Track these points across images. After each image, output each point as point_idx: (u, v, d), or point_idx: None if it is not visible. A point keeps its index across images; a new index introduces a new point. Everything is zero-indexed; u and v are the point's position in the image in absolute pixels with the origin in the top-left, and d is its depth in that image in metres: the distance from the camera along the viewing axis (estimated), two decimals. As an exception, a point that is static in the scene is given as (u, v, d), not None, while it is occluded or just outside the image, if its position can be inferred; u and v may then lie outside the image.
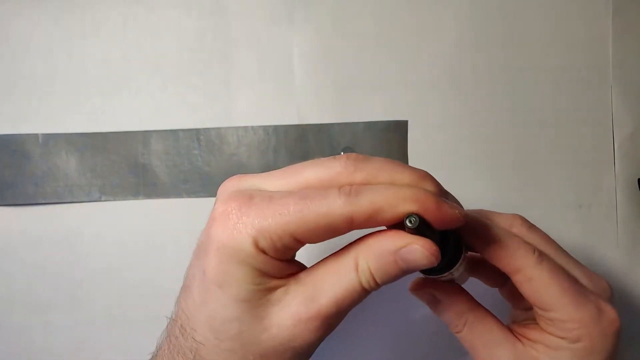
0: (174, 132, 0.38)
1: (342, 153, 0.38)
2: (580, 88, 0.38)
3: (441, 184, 0.23)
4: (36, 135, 0.37)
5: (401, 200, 0.20)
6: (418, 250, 0.21)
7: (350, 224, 0.20)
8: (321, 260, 0.22)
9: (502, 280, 0.29)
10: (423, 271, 0.25)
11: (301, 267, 0.23)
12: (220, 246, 0.21)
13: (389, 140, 0.38)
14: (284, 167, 0.23)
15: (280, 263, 0.21)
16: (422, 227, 0.21)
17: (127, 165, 0.37)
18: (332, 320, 0.21)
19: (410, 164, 0.38)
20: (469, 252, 0.26)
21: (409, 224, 0.20)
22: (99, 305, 0.37)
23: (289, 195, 0.21)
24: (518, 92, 0.38)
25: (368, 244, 0.21)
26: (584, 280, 0.25)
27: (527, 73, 0.38)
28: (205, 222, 0.23)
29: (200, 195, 0.37)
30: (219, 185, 0.24)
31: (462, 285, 0.28)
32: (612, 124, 0.38)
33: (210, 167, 0.37)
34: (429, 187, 0.22)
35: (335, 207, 0.20)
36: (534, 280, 0.24)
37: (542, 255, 0.24)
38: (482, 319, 0.26)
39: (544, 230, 0.28)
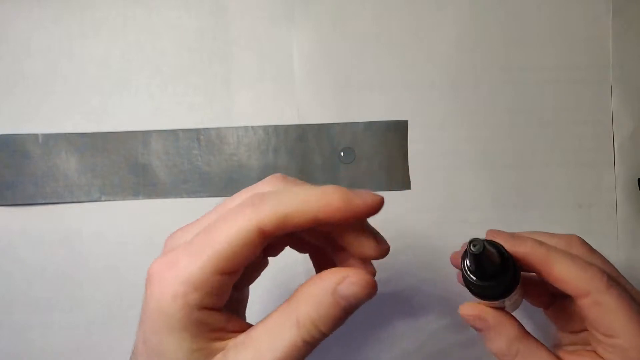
0: (173, 132, 0.38)
1: (342, 154, 0.38)
2: (580, 88, 0.38)
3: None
4: (36, 135, 0.37)
5: (308, 198, 0.20)
6: (353, 282, 0.20)
7: (262, 235, 0.19)
8: (263, 319, 0.21)
9: (549, 300, 0.28)
10: (477, 293, 0.24)
11: (242, 325, 0.21)
12: (152, 314, 0.20)
13: (389, 140, 0.38)
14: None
15: (219, 315, 0.20)
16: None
17: (127, 165, 0.37)
18: None
19: (410, 164, 0.38)
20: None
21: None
22: (99, 305, 0.37)
23: (201, 231, 0.20)
24: (518, 92, 0.38)
25: (306, 291, 0.20)
26: None
27: (527, 73, 0.38)
28: None
29: (200, 195, 0.37)
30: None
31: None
32: (612, 124, 0.38)
33: (210, 167, 0.37)
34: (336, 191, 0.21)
35: (242, 222, 0.19)
36: (603, 305, 0.23)
37: (611, 280, 0.24)
38: (534, 350, 0.25)
39: (544, 231, 0.28)
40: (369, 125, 0.38)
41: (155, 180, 0.37)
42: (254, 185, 0.22)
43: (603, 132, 0.38)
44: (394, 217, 0.38)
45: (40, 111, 0.37)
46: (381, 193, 0.37)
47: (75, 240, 0.37)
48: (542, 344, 0.25)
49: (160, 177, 0.37)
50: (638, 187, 0.38)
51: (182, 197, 0.37)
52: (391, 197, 0.38)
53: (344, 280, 0.20)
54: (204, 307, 0.19)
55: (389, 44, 0.38)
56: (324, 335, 0.20)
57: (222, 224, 0.19)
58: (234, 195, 0.22)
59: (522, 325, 0.26)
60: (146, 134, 0.38)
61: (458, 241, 0.38)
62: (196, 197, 0.37)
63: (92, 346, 0.37)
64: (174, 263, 0.20)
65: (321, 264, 0.26)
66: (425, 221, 0.38)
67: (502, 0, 0.38)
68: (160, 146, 0.38)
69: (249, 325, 0.21)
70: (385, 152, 0.38)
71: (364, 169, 0.38)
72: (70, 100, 0.38)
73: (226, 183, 0.37)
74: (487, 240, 0.22)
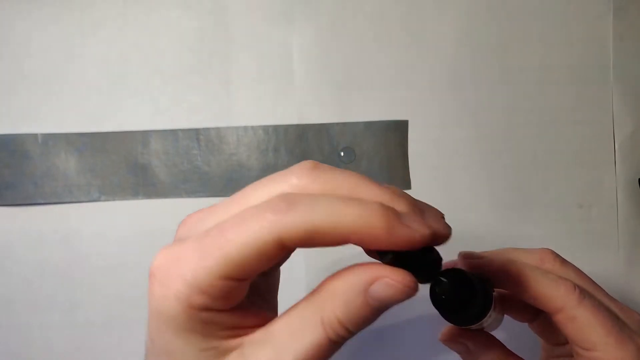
0: (173, 132, 0.38)
1: (342, 154, 0.38)
2: (580, 88, 0.38)
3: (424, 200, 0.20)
4: (36, 135, 0.37)
5: (342, 216, 0.17)
6: (390, 284, 0.17)
7: (282, 248, 0.17)
8: (283, 314, 0.19)
9: (532, 315, 0.28)
10: (451, 320, 0.24)
11: (261, 318, 0.19)
12: (155, 313, 0.18)
13: (389, 140, 0.38)
14: (283, 167, 0.21)
15: (231, 314, 0.18)
16: (404, 256, 0.18)
17: (126, 165, 0.37)
18: None
19: (410, 164, 0.38)
20: (496, 290, 0.25)
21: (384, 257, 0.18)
22: (98, 305, 0.37)
23: (214, 228, 0.17)
24: (518, 92, 0.38)
25: (333, 287, 0.18)
26: (621, 315, 0.24)
27: (527, 73, 0.38)
28: None
29: (200, 195, 0.37)
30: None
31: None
32: (612, 124, 0.38)
33: (210, 167, 0.37)
34: (399, 204, 0.18)
35: (261, 230, 0.16)
36: (577, 319, 0.23)
37: (583, 293, 0.23)
38: None
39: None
40: (369, 125, 0.38)
41: (155, 180, 0.37)
42: (281, 175, 0.19)
43: (603, 132, 0.38)
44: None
45: (39, 111, 0.37)
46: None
47: (74, 240, 0.37)
48: None
49: (160, 177, 0.37)
50: (638, 187, 0.38)
51: (181, 197, 0.37)
52: (391, 197, 0.38)
53: (378, 280, 0.18)
54: (210, 309, 0.18)
55: (389, 43, 0.38)
56: (351, 334, 0.18)
57: (238, 226, 0.17)
58: (258, 184, 0.19)
59: (504, 346, 0.26)
60: (146, 133, 0.37)
61: (458, 241, 0.38)
62: (196, 197, 0.37)
63: (92, 346, 0.37)
64: (180, 259, 0.18)
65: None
66: (425, 221, 0.38)
67: (502, 0, 0.38)
68: (160, 146, 0.37)
69: (271, 318, 0.19)
70: (385, 152, 0.38)
71: (364, 169, 0.38)
72: (70, 100, 0.38)
73: (226, 183, 0.37)
74: (449, 272, 0.22)
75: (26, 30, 0.38)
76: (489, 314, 0.24)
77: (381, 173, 0.38)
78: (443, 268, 0.22)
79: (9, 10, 0.38)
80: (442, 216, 0.19)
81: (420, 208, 0.19)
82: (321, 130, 0.38)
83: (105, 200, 0.37)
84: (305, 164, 0.18)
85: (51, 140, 0.37)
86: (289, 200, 0.17)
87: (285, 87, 0.38)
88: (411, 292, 0.18)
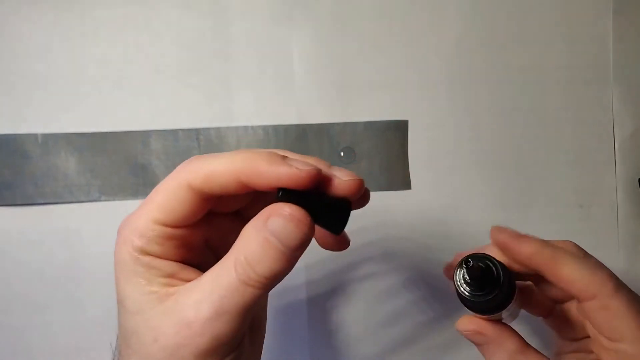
0: (173, 132, 0.38)
1: (342, 154, 0.38)
2: (580, 88, 0.38)
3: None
4: (35, 135, 0.37)
5: (233, 161, 0.20)
6: (283, 215, 0.19)
7: (192, 191, 0.21)
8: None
9: (548, 309, 0.28)
10: (472, 308, 0.24)
11: (199, 275, 0.21)
12: (115, 265, 0.22)
13: (389, 140, 0.38)
14: None
15: (170, 263, 0.21)
16: (297, 194, 0.19)
17: (126, 165, 0.37)
18: (221, 325, 0.20)
19: (410, 163, 0.38)
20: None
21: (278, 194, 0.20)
22: (98, 305, 0.37)
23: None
24: (518, 92, 0.38)
25: (244, 231, 0.20)
26: None
27: (528, 73, 0.38)
28: None
29: (200, 195, 0.37)
30: None
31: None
32: (612, 124, 0.38)
33: (210, 167, 0.37)
34: (305, 160, 0.21)
35: (175, 178, 0.21)
36: (610, 308, 0.23)
37: (619, 283, 0.23)
38: None
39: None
40: (369, 125, 0.38)
41: (155, 180, 0.37)
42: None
43: (603, 132, 0.38)
44: (394, 217, 0.37)
45: (39, 111, 0.37)
46: (381, 193, 0.38)
47: (74, 240, 0.37)
48: (543, 355, 0.25)
49: (160, 177, 0.37)
50: (638, 187, 0.38)
51: (181, 197, 0.37)
52: (391, 197, 0.38)
53: (272, 216, 0.19)
54: (150, 254, 0.21)
55: (389, 43, 0.38)
56: (264, 278, 0.20)
57: (164, 180, 0.21)
58: None
59: (522, 338, 0.26)
60: (146, 133, 0.37)
61: (458, 241, 0.38)
62: (196, 197, 0.37)
63: (92, 346, 0.37)
64: (132, 213, 0.22)
65: None
66: (426, 221, 0.38)
67: (502, 0, 0.38)
68: (160, 146, 0.37)
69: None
70: (385, 152, 0.38)
71: (364, 168, 0.38)
72: (70, 100, 0.38)
73: (226, 183, 0.37)
74: (479, 256, 0.22)
75: (26, 30, 0.38)
76: (510, 305, 0.24)
77: (381, 173, 0.38)
78: (473, 252, 0.22)
79: (9, 11, 0.38)
80: (354, 176, 0.21)
81: (327, 163, 0.22)
82: (321, 130, 0.38)
83: (105, 200, 0.37)
84: (254, 150, 0.22)
85: (51, 140, 0.37)
86: (197, 156, 0.21)
87: (285, 87, 0.38)
88: (303, 226, 0.19)
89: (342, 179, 0.21)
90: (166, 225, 0.21)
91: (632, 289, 0.38)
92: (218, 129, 0.38)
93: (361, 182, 0.21)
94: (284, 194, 0.20)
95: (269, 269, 0.19)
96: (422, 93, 0.38)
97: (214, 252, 0.24)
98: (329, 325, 0.37)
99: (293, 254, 0.20)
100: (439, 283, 0.37)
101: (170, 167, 0.37)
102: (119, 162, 0.37)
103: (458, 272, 0.23)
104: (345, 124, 0.38)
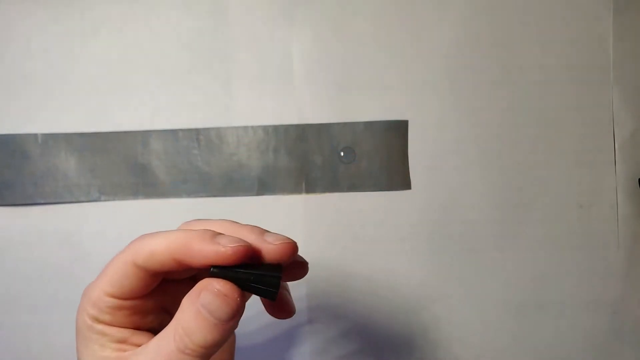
0: (173, 132, 0.38)
1: (342, 154, 0.38)
2: (580, 88, 0.38)
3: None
4: (36, 135, 0.37)
5: (170, 240, 0.21)
6: (212, 291, 0.21)
7: (137, 268, 0.21)
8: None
9: None
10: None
11: (150, 339, 0.23)
12: (76, 329, 0.23)
13: (389, 140, 0.38)
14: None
15: (122, 330, 0.22)
16: (230, 269, 0.21)
17: (126, 165, 0.37)
18: None
19: (410, 164, 0.38)
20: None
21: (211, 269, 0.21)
22: (98, 305, 0.37)
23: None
24: (518, 92, 0.38)
25: (182, 303, 0.21)
26: None
27: (527, 73, 0.38)
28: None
29: (200, 195, 0.37)
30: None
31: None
32: (612, 124, 0.38)
33: (210, 167, 0.37)
34: (240, 231, 0.22)
35: (123, 255, 0.22)
36: None
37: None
38: None
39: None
40: (369, 125, 0.38)
41: (155, 180, 0.37)
42: (203, 222, 0.24)
43: (603, 132, 0.38)
44: (394, 217, 0.37)
45: (39, 111, 0.37)
46: (381, 193, 0.38)
47: (74, 240, 0.37)
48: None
49: (160, 177, 0.37)
50: (638, 187, 0.38)
51: (181, 197, 0.37)
52: (391, 197, 0.38)
53: (204, 290, 0.21)
54: (103, 322, 0.22)
55: (389, 44, 0.38)
56: (200, 347, 0.21)
57: (116, 256, 0.22)
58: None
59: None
60: (146, 133, 0.37)
61: (458, 241, 0.38)
62: (196, 197, 0.37)
63: (91, 346, 0.37)
64: (88, 286, 0.23)
65: None
66: (426, 221, 0.38)
67: (502, 0, 0.38)
68: (160, 146, 0.37)
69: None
70: (385, 152, 0.38)
71: (364, 168, 0.38)
72: (70, 100, 0.38)
73: (226, 183, 0.37)
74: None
75: (26, 30, 0.38)
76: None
77: (381, 173, 0.38)
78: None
79: (9, 11, 0.38)
80: (285, 240, 0.22)
81: (261, 231, 0.22)
82: (321, 130, 0.38)
83: (105, 200, 0.37)
84: (224, 221, 0.23)
85: (51, 140, 0.37)
86: (143, 235, 0.22)
87: (285, 87, 0.38)
88: (231, 301, 0.20)
89: (271, 245, 0.22)
90: (116, 297, 0.22)
91: (632, 289, 0.38)
92: (218, 129, 0.38)
93: (291, 245, 0.22)
94: (215, 269, 0.21)
95: (203, 339, 0.20)
96: (422, 93, 0.38)
97: (171, 315, 0.24)
98: (329, 324, 0.37)
99: (225, 326, 0.21)
100: (440, 283, 0.37)
101: (171, 167, 0.37)
102: (119, 162, 0.37)
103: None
104: (345, 124, 0.38)
